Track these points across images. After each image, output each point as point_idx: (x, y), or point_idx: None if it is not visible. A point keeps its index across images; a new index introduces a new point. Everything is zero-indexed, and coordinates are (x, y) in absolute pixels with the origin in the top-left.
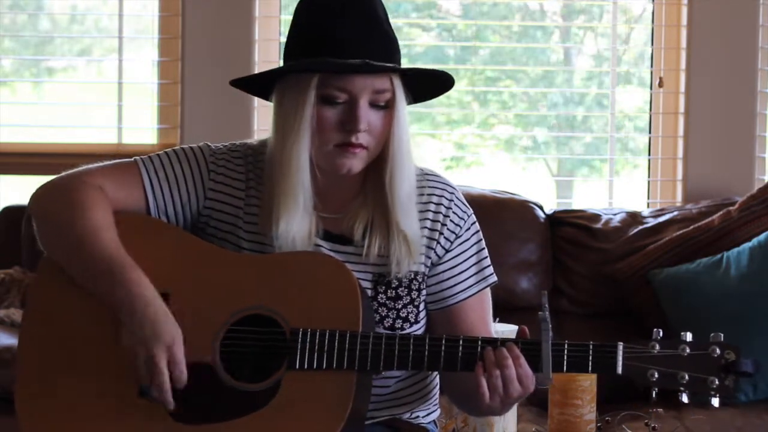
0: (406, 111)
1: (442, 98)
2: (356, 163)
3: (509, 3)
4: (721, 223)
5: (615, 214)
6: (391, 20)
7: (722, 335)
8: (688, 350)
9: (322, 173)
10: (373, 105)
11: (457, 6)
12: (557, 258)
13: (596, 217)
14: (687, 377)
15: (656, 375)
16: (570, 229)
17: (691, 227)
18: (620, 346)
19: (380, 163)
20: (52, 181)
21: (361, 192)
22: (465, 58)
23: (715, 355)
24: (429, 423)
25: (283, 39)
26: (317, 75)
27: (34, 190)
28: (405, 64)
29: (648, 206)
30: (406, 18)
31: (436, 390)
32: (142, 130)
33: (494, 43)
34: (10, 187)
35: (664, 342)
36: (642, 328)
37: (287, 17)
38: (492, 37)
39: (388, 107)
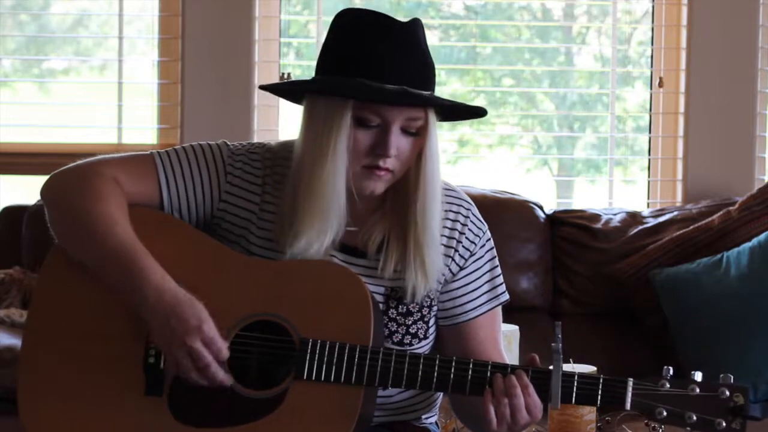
0: (438, 139)
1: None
2: (380, 185)
3: (512, 3)
4: (721, 223)
5: (615, 214)
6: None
7: (732, 377)
8: (697, 390)
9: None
10: (405, 131)
11: (461, 5)
12: (557, 258)
13: (596, 217)
14: (695, 417)
15: (664, 413)
16: (570, 229)
17: (691, 227)
18: (630, 382)
19: (405, 185)
20: (66, 169)
21: (380, 208)
22: (467, 57)
23: (724, 397)
24: (431, 424)
25: (284, 39)
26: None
27: (47, 177)
28: None
29: (648, 206)
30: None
31: (440, 398)
32: (142, 130)
33: (496, 42)
34: (10, 187)
35: (674, 381)
36: (642, 328)
37: (287, 17)
38: (494, 37)
39: (418, 134)
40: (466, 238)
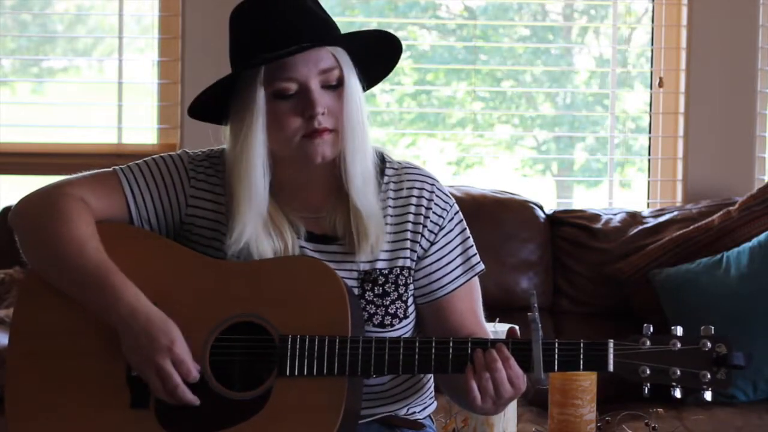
0: (359, 86)
1: (443, 99)
2: (327, 148)
3: (512, 4)
4: (721, 223)
5: (615, 214)
6: (394, 20)
7: (713, 328)
8: (678, 345)
9: (295, 170)
10: (326, 86)
11: (461, 6)
12: (557, 258)
13: (596, 217)
14: (678, 372)
15: (648, 371)
16: (570, 229)
17: (691, 227)
18: (611, 343)
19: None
20: (32, 194)
21: (337, 189)
22: (467, 58)
23: (706, 349)
24: (425, 418)
25: None
26: (261, 72)
27: (15, 204)
28: None
29: (648, 206)
30: (410, 18)
31: (431, 383)
32: (142, 130)
33: (496, 43)
34: (10, 187)
35: (655, 337)
36: (642, 328)
37: None
38: (494, 38)
39: (340, 85)
40: (433, 212)
